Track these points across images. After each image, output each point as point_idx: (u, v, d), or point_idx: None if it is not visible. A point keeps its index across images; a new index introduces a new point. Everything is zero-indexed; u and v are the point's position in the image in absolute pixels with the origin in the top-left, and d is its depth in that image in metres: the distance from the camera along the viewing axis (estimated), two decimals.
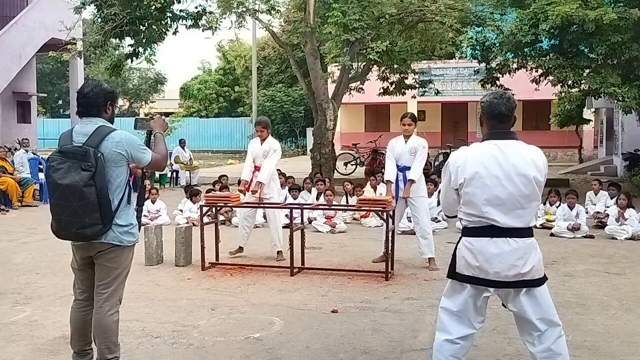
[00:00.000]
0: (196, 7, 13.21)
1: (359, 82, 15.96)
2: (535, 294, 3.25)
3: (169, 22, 12.93)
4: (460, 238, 3.32)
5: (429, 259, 6.94)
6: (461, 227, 3.38)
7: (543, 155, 3.29)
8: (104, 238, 3.61)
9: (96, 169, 3.49)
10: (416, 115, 7.43)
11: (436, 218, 9.99)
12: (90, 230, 3.52)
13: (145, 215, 9.60)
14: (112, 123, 3.77)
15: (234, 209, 9.11)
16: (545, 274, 3.32)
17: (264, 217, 9.51)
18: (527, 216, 3.22)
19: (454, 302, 3.34)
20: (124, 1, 12.05)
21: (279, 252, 7.52)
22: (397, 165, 7.04)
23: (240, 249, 7.69)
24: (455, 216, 3.44)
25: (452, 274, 3.34)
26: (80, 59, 18.04)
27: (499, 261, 3.18)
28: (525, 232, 3.23)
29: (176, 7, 12.98)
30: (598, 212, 10.16)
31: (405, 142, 6.96)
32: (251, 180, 7.64)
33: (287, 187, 11.23)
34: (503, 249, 3.18)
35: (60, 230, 3.59)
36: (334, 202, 10.08)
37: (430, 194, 9.66)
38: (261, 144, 7.64)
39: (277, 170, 12.86)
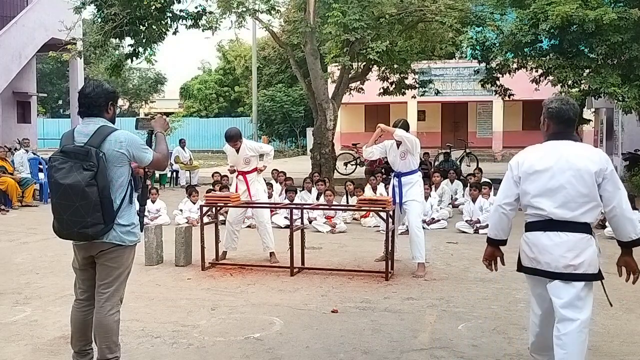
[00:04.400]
0: (196, 7, 13.23)
1: (359, 82, 15.96)
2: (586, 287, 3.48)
3: (169, 22, 12.93)
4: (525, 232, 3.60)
5: (418, 264, 6.78)
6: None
7: (601, 152, 3.53)
8: (105, 238, 3.61)
9: (98, 168, 3.50)
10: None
11: (433, 219, 10.00)
12: (92, 229, 3.53)
13: (145, 215, 9.59)
14: (113, 123, 3.77)
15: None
16: (600, 272, 3.48)
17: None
18: (580, 210, 3.40)
19: (536, 295, 3.68)
20: (124, 1, 12.05)
21: (271, 254, 7.46)
22: (393, 171, 7.06)
23: (224, 253, 7.56)
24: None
25: (519, 267, 3.66)
26: (80, 59, 18.04)
27: (549, 252, 3.43)
28: (579, 227, 3.41)
29: (176, 7, 12.99)
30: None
31: (398, 147, 6.91)
32: (237, 186, 7.65)
33: (284, 188, 11.23)
34: (554, 240, 3.42)
35: (62, 230, 3.60)
36: (334, 202, 10.08)
37: (426, 197, 9.64)
38: (237, 152, 7.48)
39: (276, 170, 13.02)
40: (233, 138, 7.39)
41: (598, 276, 3.46)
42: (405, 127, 6.98)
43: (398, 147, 6.87)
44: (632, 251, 3.55)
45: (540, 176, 3.46)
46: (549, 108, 3.58)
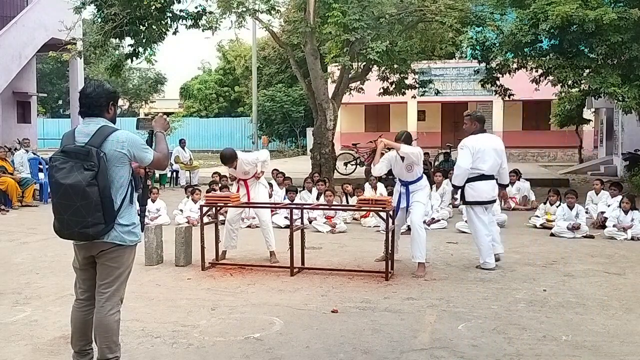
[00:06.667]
0: (196, 7, 13.19)
1: (359, 82, 15.95)
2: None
3: (169, 22, 12.90)
4: (466, 183, 6.92)
5: (418, 264, 6.80)
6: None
7: (499, 138, 7.37)
8: (106, 237, 3.61)
9: (99, 168, 3.50)
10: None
11: (433, 219, 9.99)
12: (92, 229, 3.53)
13: (145, 215, 9.58)
14: (114, 123, 3.78)
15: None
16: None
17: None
18: (496, 170, 7.00)
19: (479, 214, 6.95)
20: (124, 1, 12.03)
21: (272, 253, 7.46)
22: (400, 180, 7.08)
23: (224, 253, 7.55)
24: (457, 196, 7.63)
25: (464, 201, 7.10)
26: (80, 59, 18.03)
27: (486, 191, 6.92)
28: (494, 177, 7.00)
29: (176, 7, 12.96)
30: (597, 222, 9.89)
31: (402, 160, 6.93)
32: (237, 189, 7.68)
33: (284, 188, 11.22)
34: (488, 185, 6.94)
35: (63, 230, 3.60)
36: (334, 202, 10.08)
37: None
38: (235, 168, 7.46)
39: (275, 169, 13.02)
40: (229, 160, 7.28)
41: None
42: (408, 139, 7.01)
43: (402, 160, 6.91)
44: (506, 187, 7.51)
45: (482, 153, 6.86)
46: (478, 116, 7.14)
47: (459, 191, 7.03)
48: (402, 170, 6.97)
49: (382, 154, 7.07)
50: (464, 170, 6.83)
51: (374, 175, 7.44)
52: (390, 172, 7.39)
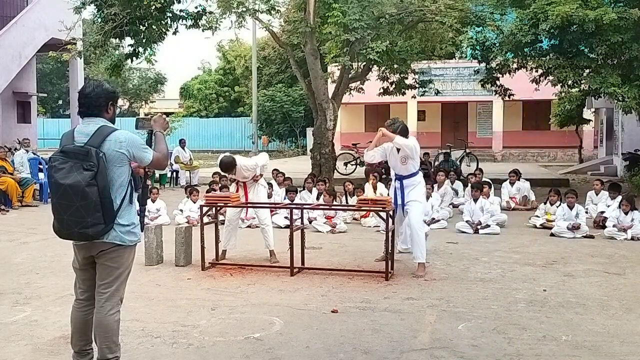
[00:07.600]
0: (196, 7, 13.19)
1: (359, 82, 15.95)
2: None
3: (169, 22, 12.90)
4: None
5: (418, 264, 6.79)
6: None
7: None
8: (106, 238, 3.61)
9: (98, 168, 3.50)
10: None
11: (433, 219, 9.99)
12: (92, 229, 3.53)
13: (145, 215, 9.57)
14: (113, 123, 3.77)
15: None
16: None
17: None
18: None
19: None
20: (124, 1, 12.03)
21: (271, 253, 7.45)
22: (395, 173, 7.08)
23: (224, 252, 7.55)
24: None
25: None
26: (80, 59, 18.03)
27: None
28: None
29: (176, 7, 12.96)
30: (596, 222, 9.92)
31: (398, 152, 6.90)
32: (237, 189, 7.69)
33: (284, 188, 11.22)
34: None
35: (62, 230, 3.60)
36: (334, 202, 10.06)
37: (427, 197, 9.63)
38: (234, 174, 7.48)
39: (275, 169, 13.03)
40: (229, 168, 7.28)
41: None
42: (404, 131, 6.93)
43: (398, 152, 6.88)
44: None
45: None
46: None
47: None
48: (397, 163, 6.93)
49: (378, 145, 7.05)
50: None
51: (365, 160, 7.33)
52: (388, 172, 7.40)
